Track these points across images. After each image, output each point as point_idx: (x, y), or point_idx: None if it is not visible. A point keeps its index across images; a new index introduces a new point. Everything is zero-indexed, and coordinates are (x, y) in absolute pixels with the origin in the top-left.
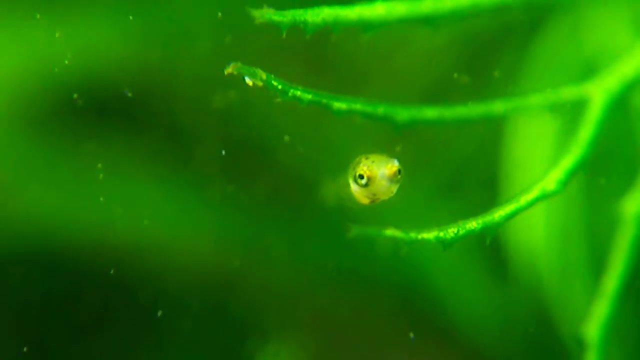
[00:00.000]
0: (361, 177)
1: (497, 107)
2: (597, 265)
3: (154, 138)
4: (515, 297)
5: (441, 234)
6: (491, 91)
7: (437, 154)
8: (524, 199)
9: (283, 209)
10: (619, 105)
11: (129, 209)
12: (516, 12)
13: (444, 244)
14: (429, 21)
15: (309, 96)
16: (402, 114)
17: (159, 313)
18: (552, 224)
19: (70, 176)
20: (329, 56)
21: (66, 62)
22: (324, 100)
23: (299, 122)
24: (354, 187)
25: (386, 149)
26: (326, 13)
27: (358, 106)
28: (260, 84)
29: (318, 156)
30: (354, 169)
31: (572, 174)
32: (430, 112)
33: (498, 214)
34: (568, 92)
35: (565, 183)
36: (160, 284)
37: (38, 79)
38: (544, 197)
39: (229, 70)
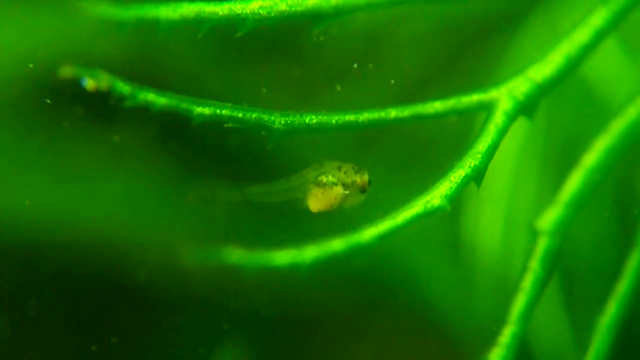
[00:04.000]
0: (370, 182)
1: (398, 111)
2: None
3: (133, 134)
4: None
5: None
6: (472, 81)
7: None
8: (402, 217)
9: (258, 206)
10: (527, 111)
11: (104, 205)
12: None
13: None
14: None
15: (163, 100)
16: (279, 120)
17: (131, 308)
18: (511, 224)
19: (43, 173)
20: (316, 43)
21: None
22: (182, 105)
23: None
24: (344, 192)
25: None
26: (186, 10)
27: (225, 112)
28: (104, 87)
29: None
30: (349, 175)
31: (461, 189)
32: (309, 118)
33: (369, 232)
34: (476, 97)
35: (452, 198)
36: (133, 280)
37: (15, 73)
38: (426, 213)
39: (64, 73)
